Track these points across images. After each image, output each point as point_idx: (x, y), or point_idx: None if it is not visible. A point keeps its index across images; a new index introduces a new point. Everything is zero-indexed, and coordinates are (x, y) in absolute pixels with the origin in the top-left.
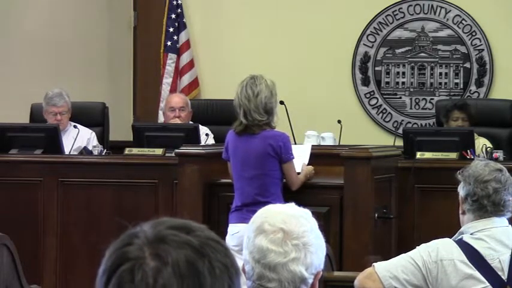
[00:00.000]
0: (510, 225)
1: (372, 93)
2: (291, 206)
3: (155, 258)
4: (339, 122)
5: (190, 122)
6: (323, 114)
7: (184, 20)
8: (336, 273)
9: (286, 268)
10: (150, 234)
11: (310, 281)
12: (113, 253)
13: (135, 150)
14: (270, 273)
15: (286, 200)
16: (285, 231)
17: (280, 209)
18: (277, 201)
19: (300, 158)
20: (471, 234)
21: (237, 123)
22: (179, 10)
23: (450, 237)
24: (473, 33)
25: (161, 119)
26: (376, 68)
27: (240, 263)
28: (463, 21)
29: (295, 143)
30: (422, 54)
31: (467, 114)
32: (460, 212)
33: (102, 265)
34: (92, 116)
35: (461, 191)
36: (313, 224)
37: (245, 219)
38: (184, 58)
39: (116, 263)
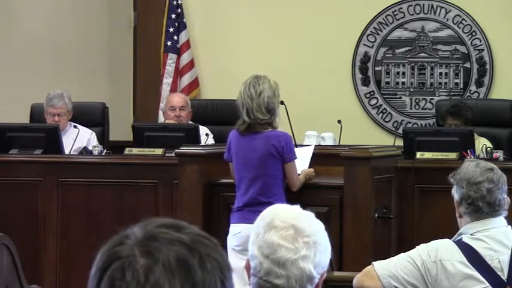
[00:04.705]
0: (509, 225)
1: (372, 93)
2: (298, 207)
3: (146, 255)
4: (339, 122)
5: (190, 122)
6: (323, 114)
7: (184, 20)
8: (336, 273)
9: (295, 265)
10: (140, 233)
11: (316, 280)
12: (104, 253)
13: (135, 150)
14: (278, 269)
15: (287, 201)
16: (296, 228)
17: (289, 207)
18: (280, 201)
19: (302, 160)
20: (471, 234)
21: (240, 122)
22: (179, 10)
23: (450, 238)
24: (473, 33)
25: (161, 119)
26: (376, 68)
27: (241, 262)
28: (463, 21)
29: (295, 143)
30: (422, 54)
31: (461, 120)
32: (457, 215)
33: (94, 266)
34: (92, 116)
35: (456, 194)
36: (321, 225)
37: (247, 220)
38: (185, 58)
39: (107, 262)
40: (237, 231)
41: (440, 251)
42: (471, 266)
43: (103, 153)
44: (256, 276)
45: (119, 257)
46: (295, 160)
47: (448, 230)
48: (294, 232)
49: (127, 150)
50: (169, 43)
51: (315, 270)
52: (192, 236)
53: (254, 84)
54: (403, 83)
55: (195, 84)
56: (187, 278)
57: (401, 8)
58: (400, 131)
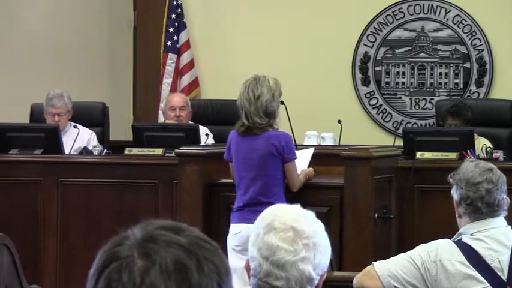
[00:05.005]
0: (509, 225)
1: (372, 93)
2: (298, 207)
3: (143, 257)
4: (339, 122)
5: (190, 122)
6: (323, 114)
7: (184, 20)
8: (336, 273)
9: (295, 267)
10: (139, 234)
11: (316, 281)
12: (103, 254)
13: (135, 150)
14: (278, 271)
15: (287, 201)
16: (295, 230)
17: (289, 208)
18: (280, 201)
19: (301, 160)
20: (470, 235)
21: (239, 124)
22: (179, 10)
23: (450, 238)
24: (473, 33)
25: (161, 119)
26: (376, 68)
27: (241, 262)
28: (463, 21)
29: (295, 143)
30: (422, 54)
31: (461, 120)
32: (457, 215)
33: (93, 266)
34: (92, 116)
35: (455, 194)
36: (321, 225)
37: (247, 219)
38: (185, 58)
39: (105, 263)
40: (237, 231)
41: (440, 251)
42: (471, 266)
43: (103, 153)
44: (256, 278)
45: (117, 258)
46: (295, 160)
47: (448, 230)
48: (294, 234)
49: (127, 150)
50: (169, 43)
51: (315, 272)
52: (191, 238)
53: (253, 87)
54: (403, 83)
55: (195, 84)
56: (184, 280)
57: (401, 8)
58: (400, 131)
